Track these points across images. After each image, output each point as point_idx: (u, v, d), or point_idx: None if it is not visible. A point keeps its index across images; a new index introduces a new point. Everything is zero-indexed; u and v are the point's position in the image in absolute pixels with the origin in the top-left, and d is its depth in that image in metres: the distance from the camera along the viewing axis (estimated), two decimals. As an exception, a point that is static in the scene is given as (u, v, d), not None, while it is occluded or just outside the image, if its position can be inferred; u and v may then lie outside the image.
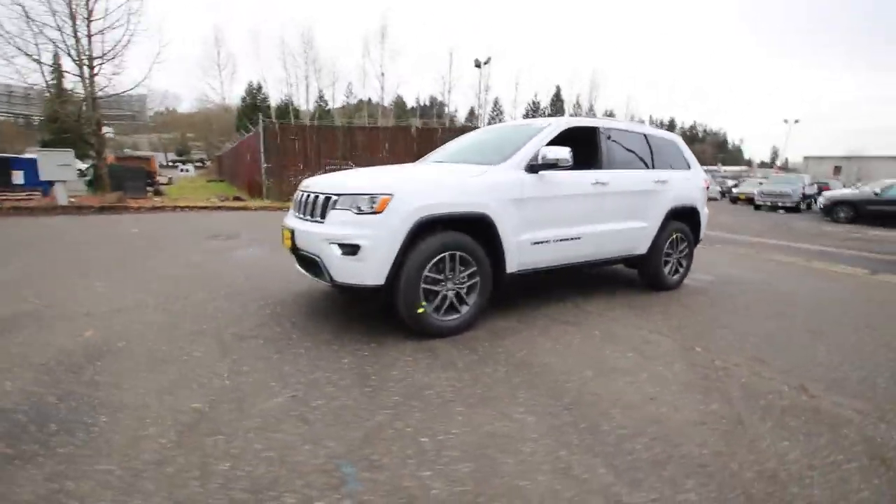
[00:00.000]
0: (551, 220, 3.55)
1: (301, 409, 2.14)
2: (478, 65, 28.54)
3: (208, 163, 55.31)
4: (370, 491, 1.62)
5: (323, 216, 3.02)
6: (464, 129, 17.29)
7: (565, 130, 3.75)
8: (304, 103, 44.84)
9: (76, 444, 1.84)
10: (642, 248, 4.32)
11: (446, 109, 50.98)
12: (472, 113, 52.77)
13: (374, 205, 2.84)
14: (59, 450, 1.80)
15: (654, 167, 4.39)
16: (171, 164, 55.16)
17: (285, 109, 42.03)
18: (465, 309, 3.18)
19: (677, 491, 1.67)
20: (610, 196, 3.94)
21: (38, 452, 1.78)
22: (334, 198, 2.98)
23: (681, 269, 4.74)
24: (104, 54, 13.58)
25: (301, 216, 3.27)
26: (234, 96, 53.24)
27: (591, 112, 55.56)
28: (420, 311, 2.97)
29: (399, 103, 49.78)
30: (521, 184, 3.35)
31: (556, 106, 55.87)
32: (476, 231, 3.15)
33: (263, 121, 14.53)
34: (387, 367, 2.62)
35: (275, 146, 14.66)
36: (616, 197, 3.99)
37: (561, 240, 3.63)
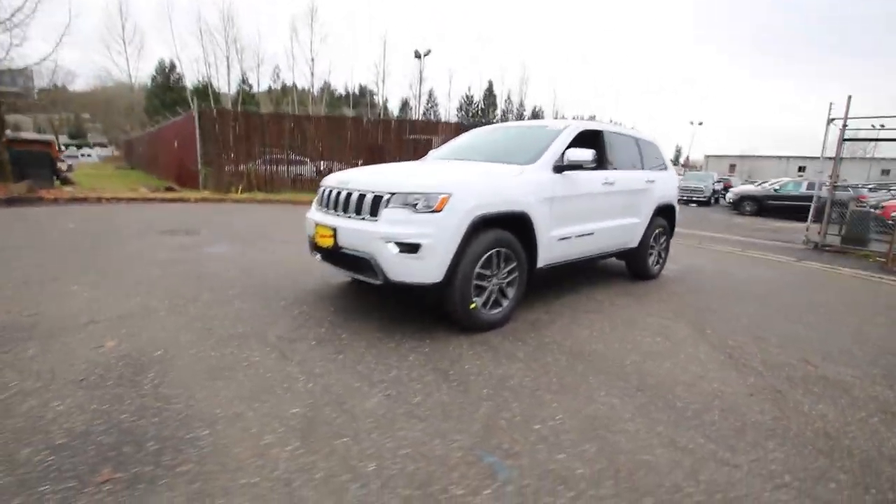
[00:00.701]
0: (573, 217, 3.80)
1: (405, 407, 2.17)
2: (418, 55, 28.39)
3: (111, 148, 49.45)
4: (523, 476, 1.73)
5: (374, 214, 2.99)
6: (428, 125, 17.22)
7: (579, 133, 4.00)
8: (226, 86, 41.54)
9: (194, 461, 1.73)
10: (635, 241, 4.75)
11: (377, 99, 50.06)
12: (406, 104, 52.39)
13: (432, 203, 2.87)
14: (180, 468, 1.68)
15: (644, 168, 4.82)
16: (64, 147, 48.57)
17: (204, 91, 38.73)
18: (505, 302, 3.32)
19: (766, 451, 1.97)
20: (615, 195, 4.28)
21: (158, 474, 1.65)
22: (387, 196, 2.96)
23: (660, 261, 5.26)
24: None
25: (343, 214, 3.19)
26: (143, 75, 48.01)
27: (521, 107, 57.66)
28: (472, 306, 3.07)
29: (329, 91, 47.90)
30: (552, 183, 3.55)
31: (489, 100, 57.18)
32: (515, 228, 3.30)
33: (200, 105, 13.38)
34: (457, 362, 2.70)
35: (212, 133, 13.59)
36: (619, 195, 4.35)
37: (580, 235, 3.89)
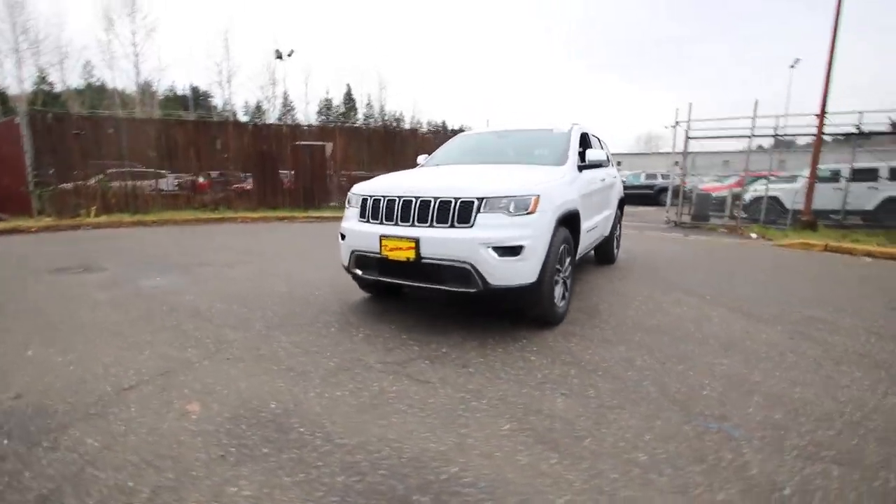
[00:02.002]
0: (589, 212, 4.19)
1: (592, 401, 2.24)
2: (279, 56, 26.48)
3: None
4: (748, 427, 1.98)
5: (466, 221, 2.92)
6: (323, 130, 16.11)
7: (581, 135, 4.42)
8: (17, 84, 32.96)
9: (477, 500, 1.57)
10: (608, 231, 5.40)
11: (215, 102, 45.12)
12: (258, 108, 48.26)
13: (526, 205, 2.94)
14: (481, 510, 1.52)
15: (609, 164, 5.51)
16: None
17: (-18, 90, 30.05)
18: (567, 295, 3.55)
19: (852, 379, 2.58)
20: (604, 190, 4.84)
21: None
22: (476, 202, 2.92)
23: (618, 246, 6.06)
24: None
25: (422, 224, 3.02)
26: None
27: (382, 111, 57.89)
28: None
29: (158, 91, 41.40)
30: (582, 181, 3.89)
31: (349, 105, 56.10)
32: (570, 225, 3.53)
33: (31, 109, 10.53)
34: (573, 353, 2.83)
35: (48, 144, 10.83)
36: (606, 190, 4.92)
37: (590, 229, 4.31)
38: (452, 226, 2.95)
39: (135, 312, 3.65)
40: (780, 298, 4.22)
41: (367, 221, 3.29)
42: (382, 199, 3.22)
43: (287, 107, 50.78)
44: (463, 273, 2.91)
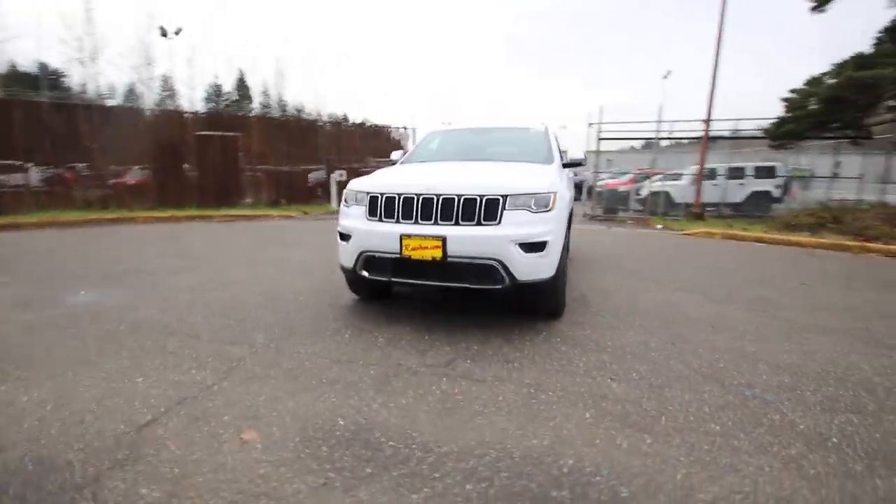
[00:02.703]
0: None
1: (650, 381, 2.44)
2: (164, 33, 23.35)
3: None
4: (777, 391, 2.32)
5: (494, 218, 2.94)
6: (236, 120, 14.60)
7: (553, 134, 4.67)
8: None
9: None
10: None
11: (73, 81, 38.67)
12: (132, 91, 42.16)
13: (547, 203, 3.05)
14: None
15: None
16: None
17: None
18: (566, 287, 3.75)
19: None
20: (571, 187, 5.16)
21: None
22: (501, 199, 2.96)
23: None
24: None
25: (447, 222, 2.97)
26: None
27: (281, 101, 54.15)
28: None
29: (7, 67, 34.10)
30: (567, 179, 4.12)
31: (242, 92, 51.57)
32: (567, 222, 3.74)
33: None
34: (603, 338, 3.03)
35: None
36: (572, 187, 5.25)
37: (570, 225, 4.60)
38: (479, 223, 2.95)
39: (90, 335, 3.07)
40: (721, 281, 4.92)
41: (381, 220, 3.15)
42: (398, 196, 3.10)
43: (167, 91, 45.20)
44: (489, 270, 2.94)
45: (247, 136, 13.05)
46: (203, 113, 15.38)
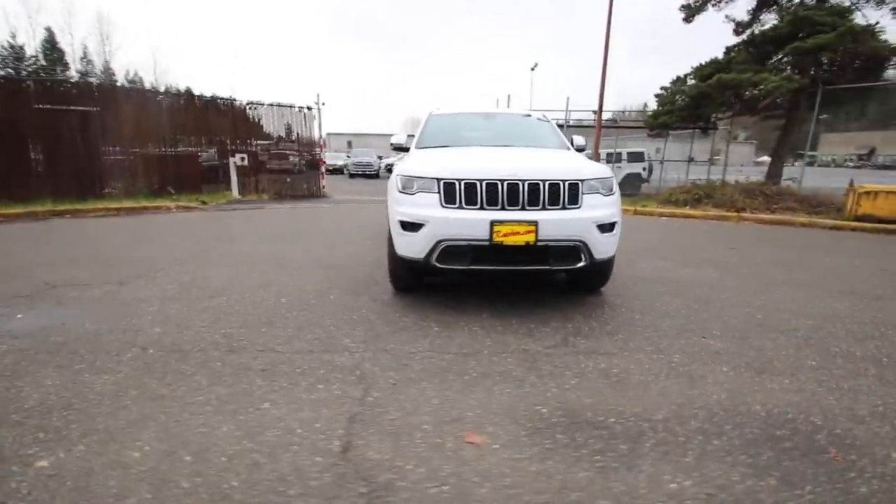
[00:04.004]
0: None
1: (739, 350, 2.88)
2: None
3: None
4: (824, 338, 2.96)
5: (575, 202, 3.09)
6: (81, 89, 11.64)
7: (549, 121, 4.95)
8: None
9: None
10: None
11: None
12: None
13: (611, 187, 3.29)
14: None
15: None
16: None
17: None
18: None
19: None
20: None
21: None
22: (580, 184, 3.12)
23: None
24: None
25: (534, 207, 3.01)
26: None
27: (107, 68, 44.95)
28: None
29: None
30: (581, 163, 4.43)
31: (52, 56, 41.42)
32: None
33: None
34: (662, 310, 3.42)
35: None
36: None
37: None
38: (564, 207, 3.07)
39: (125, 365, 2.43)
40: (670, 249, 5.82)
41: (461, 207, 3.05)
42: (479, 182, 3.04)
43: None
44: (573, 251, 3.09)
45: (111, 112, 10.72)
46: (47, 81, 12.12)
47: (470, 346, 2.71)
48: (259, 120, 12.53)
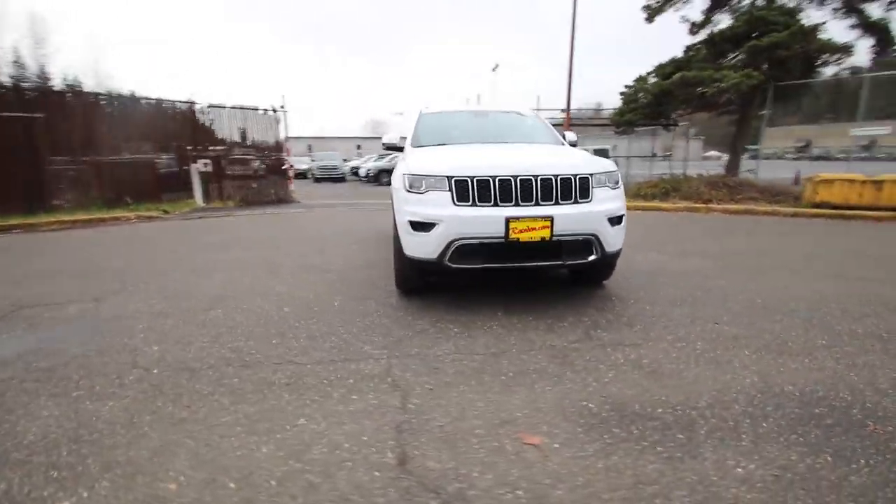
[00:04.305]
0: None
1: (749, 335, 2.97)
2: None
3: None
4: (830, 316, 3.11)
5: (586, 196, 3.10)
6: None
7: (537, 118, 4.97)
8: None
9: (835, 395, 2.08)
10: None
11: None
12: None
13: (617, 180, 3.33)
14: None
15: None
16: None
17: None
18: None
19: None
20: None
21: None
22: (590, 177, 3.13)
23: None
24: None
25: (549, 203, 3.00)
26: None
27: (43, 73, 41.67)
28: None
29: None
30: (575, 158, 4.48)
31: (-23, 59, 37.94)
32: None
33: None
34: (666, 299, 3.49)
35: None
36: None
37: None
38: (576, 201, 3.08)
39: (130, 389, 2.22)
40: (653, 240, 5.99)
41: (475, 205, 3.00)
42: (492, 179, 2.99)
43: None
44: (587, 245, 3.11)
45: (58, 119, 9.95)
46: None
47: (496, 345, 2.67)
48: (216, 123, 11.97)
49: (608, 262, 3.37)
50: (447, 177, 3.05)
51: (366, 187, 19.69)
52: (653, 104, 11.23)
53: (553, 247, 3.05)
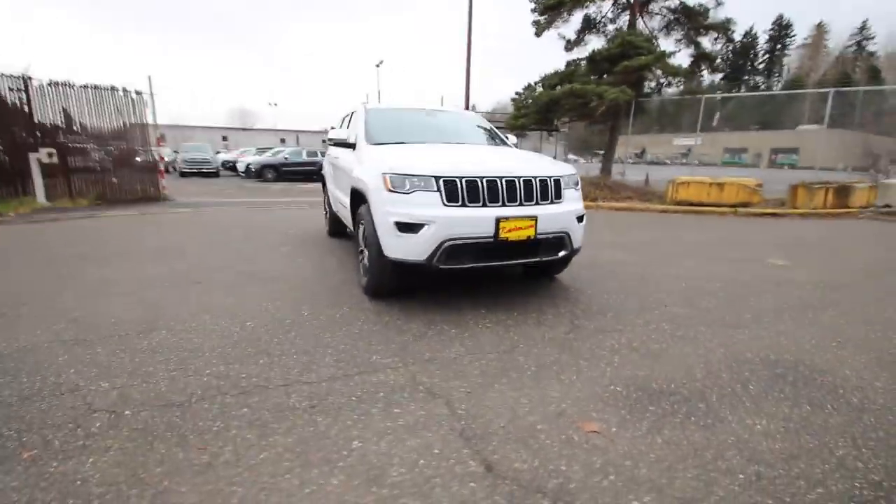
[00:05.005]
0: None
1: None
2: None
3: None
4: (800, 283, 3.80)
5: (559, 197, 3.32)
6: None
7: (475, 119, 5.14)
8: None
9: (781, 357, 2.61)
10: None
11: None
12: None
13: (577, 182, 3.63)
14: None
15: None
16: None
17: None
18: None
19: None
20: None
21: None
22: (561, 179, 3.37)
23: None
24: None
25: (530, 203, 3.14)
26: None
27: None
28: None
29: None
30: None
31: None
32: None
33: None
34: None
35: None
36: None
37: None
38: (552, 202, 3.29)
39: (111, 435, 1.79)
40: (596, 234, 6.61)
41: (464, 206, 3.01)
42: (480, 180, 3.04)
43: None
44: (559, 242, 3.35)
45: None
46: None
47: (501, 343, 2.73)
48: (62, 105, 9.84)
49: (572, 256, 3.66)
50: (434, 177, 3.01)
51: (249, 184, 17.94)
52: (543, 110, 12.29)
53: (533, 244, 3.22)
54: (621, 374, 2.36)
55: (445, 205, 3.00)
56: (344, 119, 5.60)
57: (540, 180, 3.23)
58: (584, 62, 12.07)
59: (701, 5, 12.22)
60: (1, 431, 1.82)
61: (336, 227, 5.91)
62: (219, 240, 5.92)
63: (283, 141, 52.08)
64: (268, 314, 3.16)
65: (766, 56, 63.28)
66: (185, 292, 3.67)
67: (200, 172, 21.18)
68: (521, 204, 3.14)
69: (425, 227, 2.96)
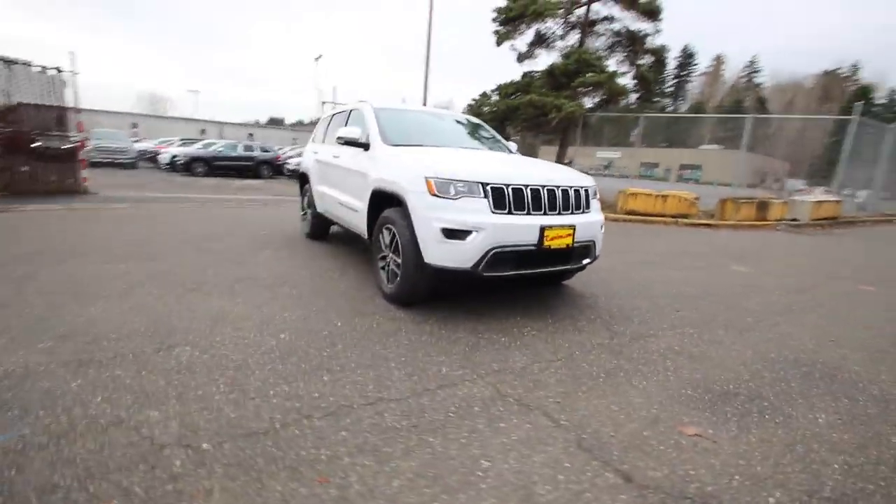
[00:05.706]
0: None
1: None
2: None
3: None
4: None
5: (588, 206, 3.44)
6: None
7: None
8: None
9: (797, 356, 2.92)
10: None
11: None
12: None
13: (597, 192, 3.77)
14: (807, 359, 2.88)
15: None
16: None
17: None
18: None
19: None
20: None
21: (819, 365, 2.82)
22: (588, 190, 3.49)
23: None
24: None
25: (569, 212, 3.22)
26: None
27: None
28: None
29: None
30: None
31: None
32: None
33: None
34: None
35: None
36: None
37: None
38: (583, 211, 3.40)
39: (202, 475, 1.56)
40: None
41: (510, 213, 3.02)
42: (525, 188, 3.06)
43: None
44: (587, 250, 3.47)
45: None
46: None
47: (557, 350, 2.77)
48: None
49: (592, 263, 3.80)
50: (481, 183, 2.98)
51: (176, 177, 16.33)
52: (500, 118, 12.62)
53: (567, 253, 3.30)
54: (683, 378, 2.50)
55: (493, 212, 2.98)
56: (332, 118, 5.34)
57: (574, 190, 3.32)
58: (543, 75, 12.59)
59: (640, 30, 13.34)
60: (56, 482, 1.50)
61: (319, 230, 5.60)
62: (186, 239, 5.33)
63: (203, 132, 48.23)
64: (297, 324, 2.92)
65: (675, 81, 70.33)
66: (183, 299, 3.27)
67: (113, 163, 18.90)
68: (559, 213, 3.21)
69: (473, 234, 2.92)
